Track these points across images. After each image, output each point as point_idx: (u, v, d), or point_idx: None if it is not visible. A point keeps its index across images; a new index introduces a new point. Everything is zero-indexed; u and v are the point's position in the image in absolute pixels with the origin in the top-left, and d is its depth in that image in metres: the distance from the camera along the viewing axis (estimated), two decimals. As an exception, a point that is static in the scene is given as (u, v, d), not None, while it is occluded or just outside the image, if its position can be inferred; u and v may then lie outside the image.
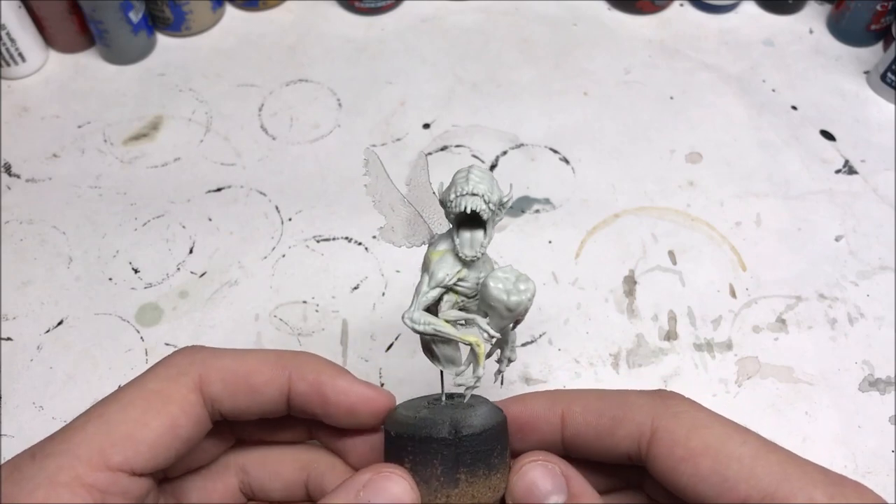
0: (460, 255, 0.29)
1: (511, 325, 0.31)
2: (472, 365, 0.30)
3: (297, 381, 0.30)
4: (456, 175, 0.28)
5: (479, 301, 0.29)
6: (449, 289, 0.29)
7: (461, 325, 0.30)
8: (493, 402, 0.31)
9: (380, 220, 0.32)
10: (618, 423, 0.29)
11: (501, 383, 0.32)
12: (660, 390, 0.30)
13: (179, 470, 0.31)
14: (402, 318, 0.29)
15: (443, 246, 0.30)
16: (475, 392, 0.31)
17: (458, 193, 0.28)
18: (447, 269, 0.29)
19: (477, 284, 0.29)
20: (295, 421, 0.32)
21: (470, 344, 0.29)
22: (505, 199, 0.28)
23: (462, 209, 0.27)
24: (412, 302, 0.29)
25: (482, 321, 0.29)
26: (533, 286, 0.28)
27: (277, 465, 0.34)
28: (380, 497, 0.27)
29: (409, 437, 0.29)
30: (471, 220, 0.28)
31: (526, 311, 0.28)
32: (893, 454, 0.42)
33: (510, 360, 0.32)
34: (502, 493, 0.29)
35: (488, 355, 0.32)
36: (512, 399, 0.32)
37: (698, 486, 0.26)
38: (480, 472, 0.28)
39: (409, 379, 0.44)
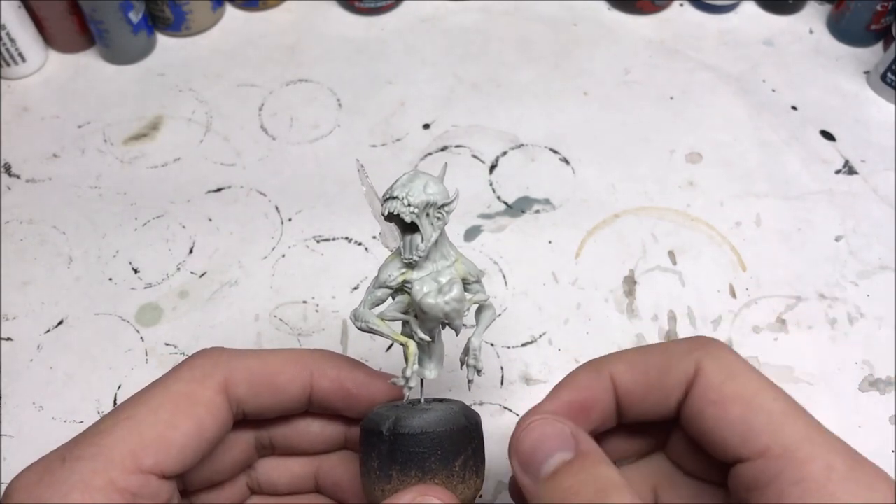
0: (402, 258, 0.30)
1: (457, 332, 0.31)
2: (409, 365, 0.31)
3: (319, 379, 0.31)
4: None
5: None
6: (401, 290, 0.30)
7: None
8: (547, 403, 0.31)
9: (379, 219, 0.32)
10: (665, 372, 0.28)
11: (469, 389, 0.33)
12: (700, 336, 0.30)
13: (200, 484, 0.32)
14: (349, 314, 0.31)
15: (397, 249, 0.31)
16: (484, 397, 0.31)
17: (383, 198, 0.29)
18: (391, 271, 0.30)
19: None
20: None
21: (401, 344, 0.30)
22: (442, 202, 0.29)
23: (383, 212, 0.29)
24: (361, 300, 0.30)
25: (414, 322, 0.30)
26: (454, 293, 0.29)
27: (287, 458, 0.34)
28: None
29: (363, 429, 0.30)
30: (412, 224, 0.29)
31: (447, 316, 0.29)
32: (893, 454, 0.42)
33: (477, 370, 0.32)
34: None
35: (462, 363, 0.32)
36: (559, 385, 0.31)
37: (724, 430, 0.27)
38: (412, 473, 0.28)
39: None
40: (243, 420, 0.31)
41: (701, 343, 0.29)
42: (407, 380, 0.30)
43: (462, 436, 0.29)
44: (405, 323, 0.31)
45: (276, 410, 0.31)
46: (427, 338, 0.30)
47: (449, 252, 0.31)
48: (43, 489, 0.25)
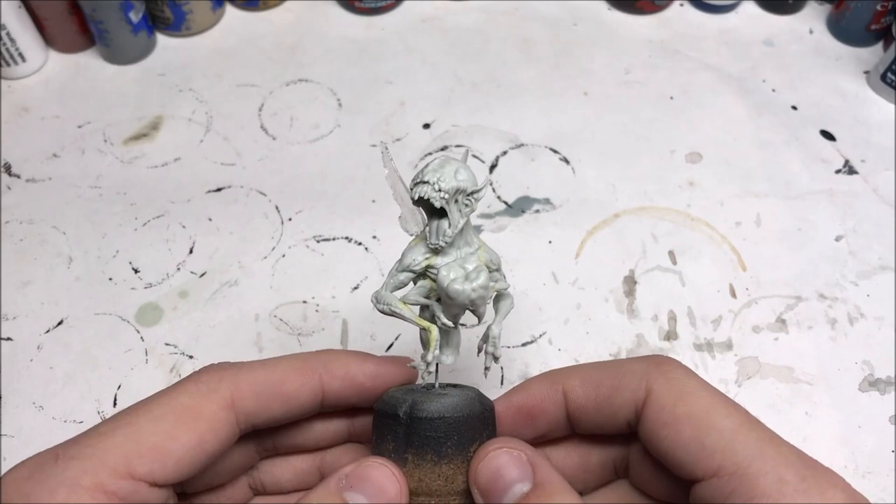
0: (428, 243, 0.30)
1: (479, 320, 0.32)
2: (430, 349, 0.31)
3: (329, 381, 0.31)
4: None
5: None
6: (423, 275, 0.30)
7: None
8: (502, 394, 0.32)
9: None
10: (615, 391, 0.29)
11: (485, 377, 0.33)
12: (654, 355, 0.30)
13: (200, 487, 0.32)
14: (371, 296, 0.31)
15: (423, 234, 0.31)
16: (485, 385, 0.32)
17: (413, 182, 0.29)
18: (415, 255, 0.30)
19: None
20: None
21: (423, 328, 0.30)
22: (472, 189, 0.29)
23: (413, 196, 0.29)
24: (383, 283, 0.31)
25: (437, 307, 0.30)
26: (481, 280, 0.29)
27: (290, 456, 0.34)
28: (364, 485, 0.27)
29: (377, 412, 0.30)
30: (440, 210, 0.29)
31: (473, 303, 0.29)
32: (893, 454, 0.42)
33: (494, 357, 0.32)
34: (459, 486, 0.29)
35: (479, 350, 0.33)
36: (513, 389, 0.32)
37: (678, 451, 0.27)
38: (428, 457, 0.28)
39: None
40: (250, 444, 0.31)
41: (654, 363, 0.29)
42: (427, 364, 0.30)
43: (478, 422, 0.30)
44: (423, 308, 0.31)
45: (289, 418, 0.31)
46: (450, 323, 0.31)
47: (472, 239, 0.31)
48: (32, 485, 0.25)
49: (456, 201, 0.29)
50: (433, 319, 0.31)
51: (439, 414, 0.29)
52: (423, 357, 0.30)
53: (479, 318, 0.31)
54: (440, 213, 0.29)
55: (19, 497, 0.25)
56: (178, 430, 0.27)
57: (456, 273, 0.29)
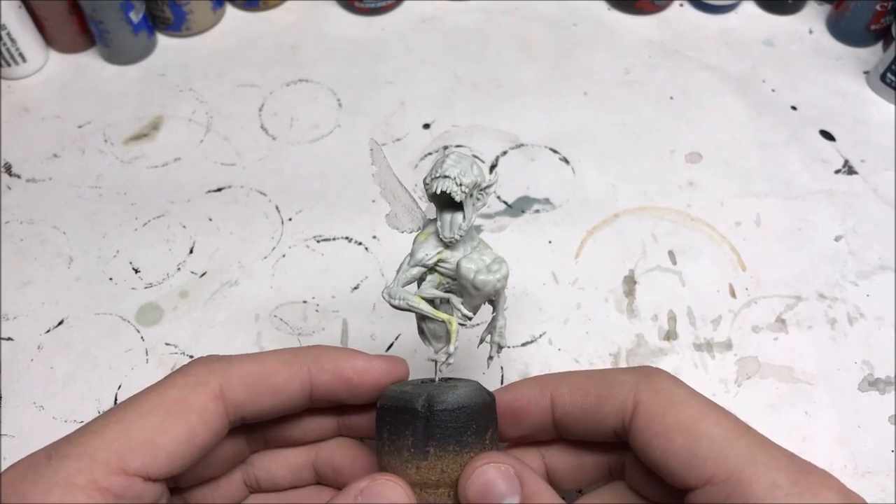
0: (441, 236, 0.30)
1: (494, 309, 0.32)
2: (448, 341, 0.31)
3: (318, 374, 0.31)
4: (436, 160, 0.30)
5: (456, 281, 0.31)
6: (431, 269, 0.31)
7: (444, 303, 0.32)
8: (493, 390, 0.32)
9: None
10: (603, 400, 0.30)
11: (487, 367, 0.34)
12: (643, 366, 0.31)
13: (192, 481, 0.32)
14: (381, 292, 0.31)
15: (430, 229, 0.31)
16: (483, 379, 0.32)
17: (432, 176, 0.29)
18: (427, 250, 0.31)
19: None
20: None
21: (442, 321, 0.31)
22: (485, 184, 0.30)
23: (433, 191, 0.29)
24: (394, 278, 0.31)
25: (456, 300, 0.31)
26: (504, 270, 0.30)
27: (283, 450, 0.34)
28: (377, 500, 0.28)
29: (388, 409, 0.30)
30: (452, 204, 0.29)
31: (496, 292, 0.30)
32: (893, 454, 0.42)
33: (500, 346, 0.33)
34: None
35: (481, 341, 0.33)
36: (503, 388, 0.33)
37: (669, 461, 0.27)
38: (451, 448, 0.29)
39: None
40: (240, 436, 0.31)
41: (643, 373, 0.30)
42: (449, 355, 0.31)
43: (489, 410, 0.30)
44: (430, 301, 0.32)
45: (278, 411, 0.31)
46: (470, 314, 0.31)
47: (474, 234, 0.31)
48: (26, 486, 0.25)
49: (471, 195, 0.29)
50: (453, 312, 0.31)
51: (459, 404, 0.29)
52: (444, 350, 0.31)
53: (495, 307, 0.32)
54: (454, 208, 0.30)
55: (15, 498, 0.25)
56: (168, 424, 0.27)
57: (477, 265, 0.30)
